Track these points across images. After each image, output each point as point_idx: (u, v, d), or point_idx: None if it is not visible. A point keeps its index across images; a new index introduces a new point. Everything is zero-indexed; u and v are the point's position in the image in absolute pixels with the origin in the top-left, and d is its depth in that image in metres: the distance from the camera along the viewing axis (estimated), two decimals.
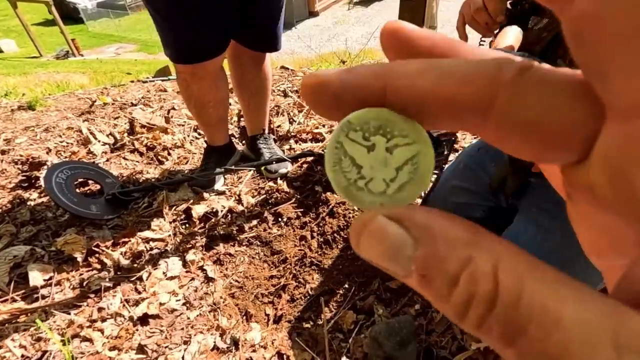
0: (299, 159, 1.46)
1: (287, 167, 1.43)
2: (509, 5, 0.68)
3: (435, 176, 0.98)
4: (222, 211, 1.28)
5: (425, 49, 0.12)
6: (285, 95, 1.95)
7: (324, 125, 1.69)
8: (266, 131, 1.51)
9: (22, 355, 0.88)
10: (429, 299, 0.11)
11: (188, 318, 0.98)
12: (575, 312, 0.08)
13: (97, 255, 1.12)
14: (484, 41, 0.82)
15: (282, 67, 2.48)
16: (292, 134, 1.68)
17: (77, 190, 1.32)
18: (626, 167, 0.09)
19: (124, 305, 0.99)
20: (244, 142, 1.68)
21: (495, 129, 0.10)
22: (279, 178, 1.41)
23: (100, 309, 0.98)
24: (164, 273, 1.08)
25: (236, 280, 1.11)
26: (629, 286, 0.10)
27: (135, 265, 1.10)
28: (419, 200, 0.98)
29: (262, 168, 1.43)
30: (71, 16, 9.38)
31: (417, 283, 0.10)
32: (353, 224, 0.12)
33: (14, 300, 1.00)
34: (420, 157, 0.12)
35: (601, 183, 0.09)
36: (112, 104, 1.98)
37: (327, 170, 0.13)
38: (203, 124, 1.41)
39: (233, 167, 1.32)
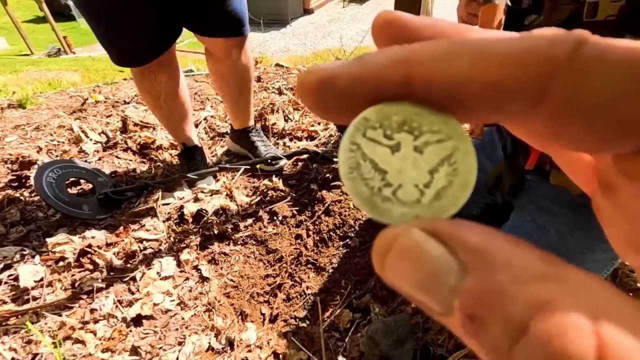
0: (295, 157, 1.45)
1: (284, 160, 1.42)
2: (509, 2, 0.67)
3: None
4: (216, 210, 1.27)
5: (428, 38, 0.10)
6: (280, 92, 1.93)
7: (319, 123, 1.68)
8: (252, 123, 1.47)
9: (13, 358, 0.86)
10: (477, 351, 0.08)
11: (182, 318, 0.97)
12: None
13: (89, 255, 1.10)
14: None
15: (277, 64, 2.46)
16: (288, 131, 1.67)
17: (69, 189, 1.30)
18: None
19: (117, 306, 0.98)
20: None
21: (551, 117, 0.09)
22: (274, 176, 1.40)
23: (92, 310, 0.96)
24: (157, 273, 1.07)
25: (231, 280, 1.10)
26: None
27: (129, 265, 1.09)
28: None
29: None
30: (63, 13, 9.25)
31: (461, 325, 0.08)
32: (378, 239, 0.09)
33: (4, 302, 0.98)
34: (458, 156, 0.10)
35: None
36: (105, 102, 1.96)
37: (343, 178, 0.10)
38: (176, 121, 1.34)
39: (228, 166, 1.31)
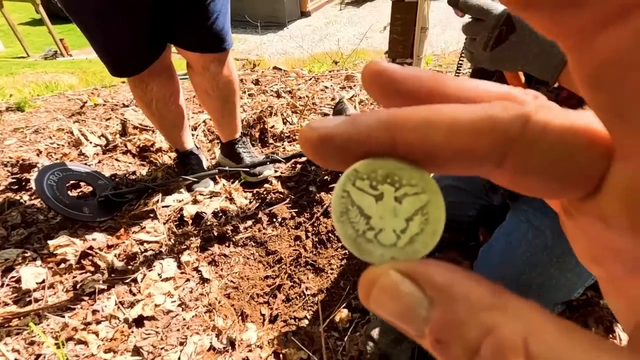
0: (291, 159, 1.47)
1: (271, 170, 1.42)
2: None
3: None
4: (216, 212, 1.28)
5: (410, 89, 0.12)
6: (279, 95, 1.95)
7: None
8: (239, 135, 1.45)
9: None
10: None
11: (184, 319, 0.98)
12: None
13: (90, 257, 1.11)
14: (461, 63, 0.84)
15: (275, 67, 2.48)
16: (286, 134, 1.68)
17: (69, 192, 1.31)
18: None
19: (118, 307, 0.99)
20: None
21: (510, 175, 0.11)
22: (273, 178, 1.41)
23: (94, 312, 0.97)
24: (158, 274, 1.08)
25: (231, 281, 1.11)
26: None
27: (130, 267, 1.10)
28: None
29: (243, 173, 1.42)
30: (59, 15, 9.21)
31: (432, 347, 0.10)
32: (363, 277, 0.11)
33: (6, 304, 0.98)
34: (430, 207, 0.12)
35: (615, 212, 0.10)
36: (104, 105, 1.97)
37: (335, 221, 0.12)
38: (169, 127, 1.36)
39: (227, 168, 1.32)
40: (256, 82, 2.16)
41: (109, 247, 1.16)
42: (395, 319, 0.11)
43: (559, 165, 0.10)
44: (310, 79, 2.16)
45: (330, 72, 2.35)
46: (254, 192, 1.38)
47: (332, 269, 1.13)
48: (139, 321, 0.96)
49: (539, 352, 0.08)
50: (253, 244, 1.21)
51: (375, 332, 0.86)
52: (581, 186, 0.11)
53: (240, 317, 1.03)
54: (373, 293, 0.11)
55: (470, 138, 0.11)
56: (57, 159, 1.50)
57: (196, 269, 1.12)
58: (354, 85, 2.08)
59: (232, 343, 0.93)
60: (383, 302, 0.11)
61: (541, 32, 0.09)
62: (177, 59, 1.29)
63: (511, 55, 0.57)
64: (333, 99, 1.90)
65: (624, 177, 0.09)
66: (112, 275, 1.08)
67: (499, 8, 0.57)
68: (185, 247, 1.17)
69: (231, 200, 1.34)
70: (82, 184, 1.38)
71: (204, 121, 1.79)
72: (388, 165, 0.12)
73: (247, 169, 1.38)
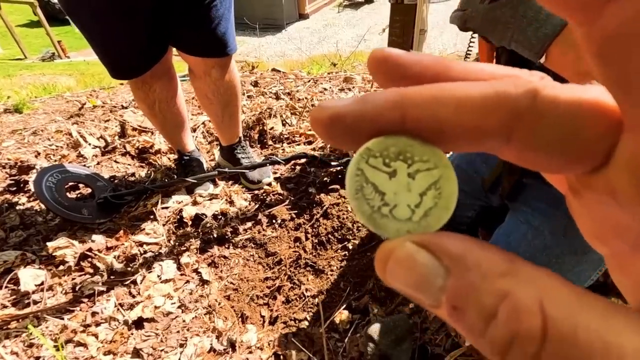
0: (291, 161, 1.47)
1: (270, 177, 1.42)
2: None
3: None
4: (215, 214, 1.28)
5: (416, 73, 0.12)
6: (278, 97, 1.95)
7: None
8: (241, 138, 1.46)
9: None
10: (461, 332, 0.10)
11: (184, 321, 0.98)
12: (634, 342, 0.08)
13: (89, 259, 1.11)
14: (470, 52, 0.83)
15: (274, 69, 2.49)
16: (285, 135, 1.69)
17: (68, 194, 1.31)
18: None
19: (118, 309, 0.98)
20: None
21: (518, 150, 0.11)
22: (272, 180, 1.41)
23: (94, 314, 0.97)
24: (158, 276, 1.08)
25: (231, 283, 1.11)
26: None
27: (129, 268, 1.10)
28: None
29: (243, 179, 1.42)
30: (57, 17, 9.20)
31: (448, 315, 0.10)
32: (379, 250, 0.12)
33: (5, 307, 0.98)
34: (442, 182, 0.12)
35: (623, 184, 0.10)
36: (102, 106, 1.97)
37: (350, 198, 0.12)
38: (171, 128, 1.35)
39: (227, 170, 1.32)
40: (255, 84, 2.16)
41: (108, 248, 1.16)
42: (412, 289, 0.11)
43: (567, 138, 0.10)
44: (309, 81, 2.16)
45: (329, 74, 2.35)
46: (254, 193, 1.38)
47: (332, 270, 1.13)
48: (139, 323, 0.96)
49: (555, 314, 0.09)
50: (253, 246, 1.21)
51: (375, 333, 0.86)
52: (589, 159, 0.11)
53: (240, 319, 1.03)
54: (389, 265, 0.11)
55: (479, 114, 0.11)
56: (55, 161, 1.50)
57: (196, 271, 1.12)
58: (353, 87, 2.08)
59: (232, 345, 0.93)
60: (399, 273, 0.11)
61: (550, 6, 0.10)
62: (176, 61, 1.29)
63: (507, 15, 0.54)
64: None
65: (632, 148, 0.10)
66: (112, 277, 1.07)
67: None
68: (184, 248, 1.17)
69: (231, 202, 1.34)
70: (81, 185, 1.37)
71: (203, 123, 1.79)
72: (400, 143, 0.12)
73: (246, 173, 1.39)
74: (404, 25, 1.17)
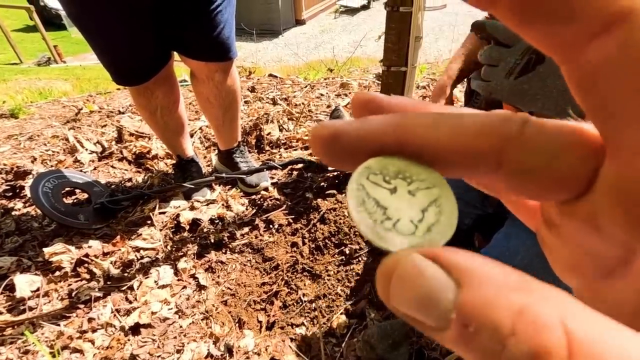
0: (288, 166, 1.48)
1: (268, 181, 1.42)
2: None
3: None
4: (212, 219, 1.28)
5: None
6: (275, 103, 1.97)
7: None
8: (240, 143, 1.47)
9: None
10: (468, 357, 0.09)
11: (180, 326, 0.98)
12: None
13: (86, 265, 1.10)
14: (477, 102, 0.86)
15: (270, 75, 2.50)
16: (282, 141, 1.69)
17: (65, 199, 1.30)
18: None
19: (114, 315, 0.98)
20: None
21: (506, 177, 0.11)
22: (269, 185, 1.42)
23: (90, 320, 0.96)
24: (155, 282, 1.07)
25: (228, 288, 1.11)
26: None
27: (126, 274, 1.09)
28: None
29: (240, 183, 1.43)
30: (53, 22, 9.20)
31: (457, 335, 0.09)
32: (382, 265, 0.11)
33: (0, 313, 0.97)
34: (442, 200, 0.12)
35: (605, 207, 0.10)
36: (99, 111, 1.97)
37: (352, 212, 0.12)
38: (172, 134, 1.36)
39: (225, 175, 1.32)
40: (252, 90, 2.17)
41: (104, 254, 1.15)
42: (418, 307, 0.10)
43: (551, 161, 0.11)
44: (306, 87, 2.18)
45: (325, 79, 2.37)
46: (251, 199, 1.39)
47: (329, 275, 1.13)
48: (136, 329, 0.95)
49: (580, 333, 0.08)
50: (250, 251, 1.22)
51: (372, 338, 0.87)
52: (573, 184, 0.11)
53: (237, 324, 1.03)
54: (394, 279, 0.10)
55: (472, 137, 0.11)
56: (52, 166, 1.50)
57: (193, 276, 1.12)
58: (349, 93, 2.10)
59: (229, 350, 0.93)
60: (404, 289, 0.10)
61: (536, 46, 0.10)
62: (175, 66, 1.30)
63: (534, 88, 0.54)
64: (329, 106, 1.92)
65: (614, 172, 0.10)
66: (108, 282, 1.07)
67: None
68: (182, 254, 1.17)
69: (228, 207, 1.35)
70: (77, 191, 1.37)
71: (200, 128, 1.80)
72: (398, 163, 0.12)
73: (244, 178, 1.39)
74: (400, 33, 1.19)
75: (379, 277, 0.11)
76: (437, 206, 0.12)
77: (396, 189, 0.12)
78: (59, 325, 0.95)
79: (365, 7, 12.24)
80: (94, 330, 0.94)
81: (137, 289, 1.05)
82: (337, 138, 0.12)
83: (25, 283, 1.03)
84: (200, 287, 1.09)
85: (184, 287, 1.08)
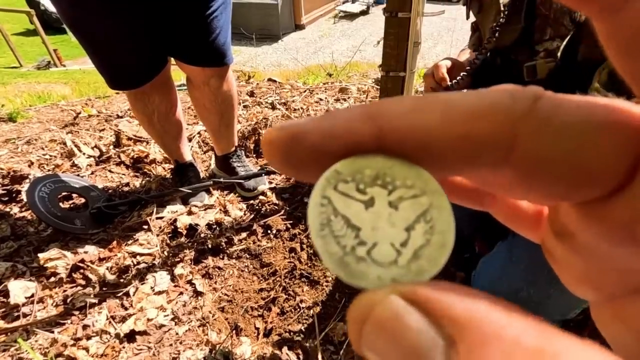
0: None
1: (266, 184, 1.42)
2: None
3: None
4: (210, 224, 1.27)
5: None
6: (274, 107, 1.96)
7: None
8: (237, 148, 1.46)
9: None
10: None
11: (177, 334, 0.96)
12: None
13: (81, 270, 1.09)
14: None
15: (269, 79, 2.50)
16: None
17: (61, 204, 1.29)
18: None
19: (110, 322, 0.97)
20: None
21: (518, 170, 0.09)
22: (268, 190, 1.41)
23: (85, 327, 0.95)
24: (151, 288, 1.06)
25: (225, 294, 1.10)
26: None
27: (122, 280, 1.08)
28: None
29: (238, 188, 1.42)
30: (53, 26, 9.23)
31: None
32: (353, 307, 0.09)
33: None
34: (434, 212, 0.09)
35: None
36: (97, 115, 1.96)
37: (313, 236, 0.09)
38: (169, 138, 1.35)
39: (222, 180, 1.32)
40: (251, 94, 2.17)
41: (100, 260, 1.14)
42: None
43: (579, 151, 0.08)
44: (305, 91, 2.18)
45: (324, 84, 2.37)
46: (249, 203, 1.38)
47: (327, 281, 1.12)
48: (131, 336, 0.94)
49: None
50: (247, 256, 1.20)
51: None
52: (606, 181, 0.08)
53: (234, 331, 1.02)
54: (366, 328, 0.08)
55: (470, 119, 0.09)
56: (49, 171, 1.49)
57: (190, 282, 1.11)
58: (348, 98, 2.10)
59: (226, 357, 0.91)
60: (380, 343, 0.08)
61: (571, 3, 0.08)
62: (173, 70, 1.30)
63: None
64: (327, 111, 1.92)
65: None
66: (104, 288, 1.06)
67: None
68: (178, 259, 1.16)
69: (226, 212, 1.34)
70: (74, 195, 1.36)
71: (198, 132, 1.79)
72: (376, 163, 0.09)
73: (242, 182, 1.38)
74: (398, 38, 1.19)
75: (350, 322, 0.08)
76: (427, 221, 0.09)
77: (373, 200, 0.10)
78: (53, 332, 0.93)
79: (364, 13, 12.31)
80: (88, 338, 0.93)
81: (133, 295, 1.04)
82: (296, 140, 0.09)
83: (19, 289, 1.01)
84: (197, 293, 1.08)
85: (181, 293, 1.07)
